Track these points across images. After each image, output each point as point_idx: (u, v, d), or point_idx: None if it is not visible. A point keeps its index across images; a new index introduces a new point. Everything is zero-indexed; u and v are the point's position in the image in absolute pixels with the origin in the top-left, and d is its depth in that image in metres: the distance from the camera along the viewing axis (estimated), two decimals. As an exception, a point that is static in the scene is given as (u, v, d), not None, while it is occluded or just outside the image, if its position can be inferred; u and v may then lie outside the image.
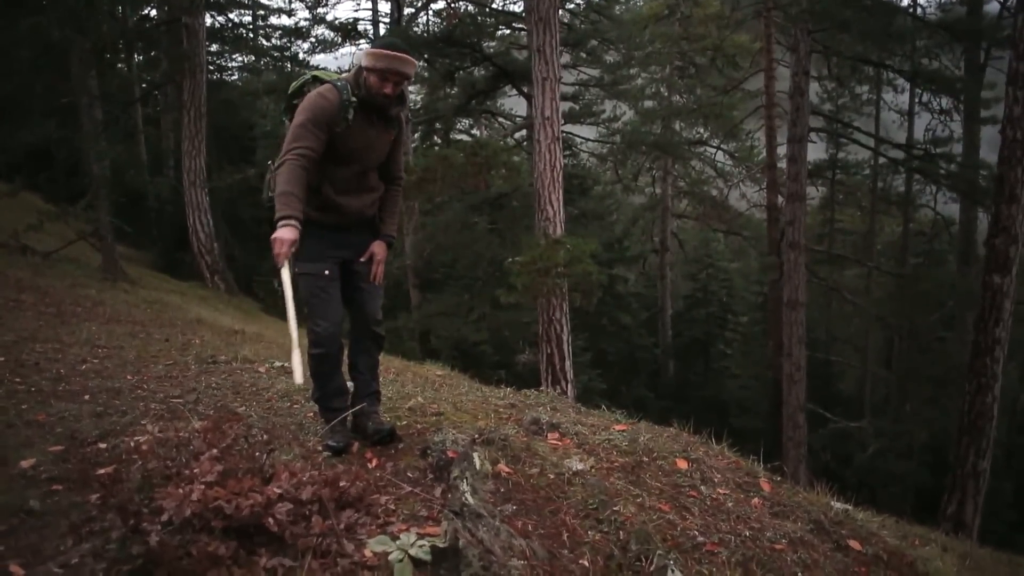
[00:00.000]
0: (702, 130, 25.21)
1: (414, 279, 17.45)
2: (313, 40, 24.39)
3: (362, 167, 2.98)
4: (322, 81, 2.96)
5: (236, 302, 15.33)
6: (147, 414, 3.19)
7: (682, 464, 3.09)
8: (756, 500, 2.93)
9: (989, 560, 6.40)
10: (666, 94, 26.26)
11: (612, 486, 2.74)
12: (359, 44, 20.65)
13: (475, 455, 2.65)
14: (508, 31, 22.20)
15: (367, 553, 2.04)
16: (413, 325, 14.91)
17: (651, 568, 2.22)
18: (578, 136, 24.79)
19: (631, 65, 23.14)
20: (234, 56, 26.91)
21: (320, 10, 25.36)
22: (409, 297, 17.93)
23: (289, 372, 4.39)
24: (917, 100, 15.31)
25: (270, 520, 1.97)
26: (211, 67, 25.35)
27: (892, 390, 19.66)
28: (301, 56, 24.91)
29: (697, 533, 2.50)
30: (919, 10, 17.13)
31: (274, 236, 2.67)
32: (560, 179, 11.13)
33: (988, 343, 9.19)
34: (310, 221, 2.86)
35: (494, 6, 19.96)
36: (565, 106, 19.36)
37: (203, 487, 1.99)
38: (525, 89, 13.71)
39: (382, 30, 20.57)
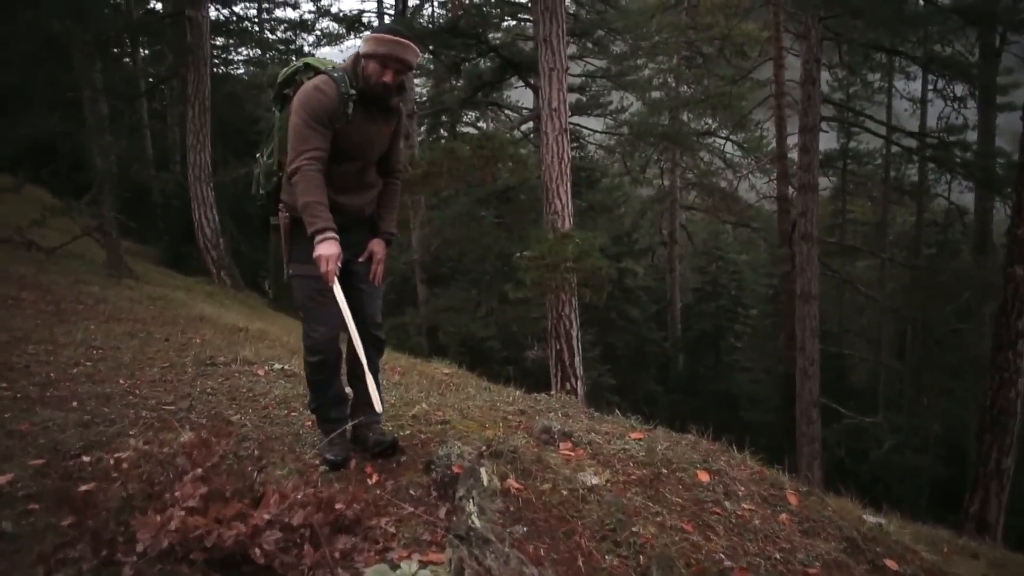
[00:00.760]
0: (710, 121, 24.91)
1: (421, 274, 17.26)
2: (318, 33, 24.27)
3: (363, 163, 2.81)
4: (315, 70, 2.75)
5: (242, 297, 15.18)
6: (136, 423, 3.02)
7: (703, 476, 2.90)
8: (784, 516, 2.74)
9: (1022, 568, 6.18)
10: (673, 84, 25.95)
11: (630, 503, 2.55)
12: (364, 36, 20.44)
13: (482, 470, 2.46)
14: (514, 22, 21.96)
15: (364, 584, 1.86)
16: (420, 321, 14.73)
17: (675, 597, 2.04)
18: (585, 128, 24.53)
19: (638, 55, 22.84)
20: (239, 49, 26.81)
21: (325, 2, 25.25)
22: (416, 292, 17.77)
23: (289, 375, 4.23)
24: (931, 87, 14.95)
25: (257, 551, 1.79)
26: (216, 60, 25.22)
27: (906, 384, 19.39)
28: (306, 49, 24.78)
29: (723, 556, 2.31)
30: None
31: (317, 254, 2.53)
32: (568, 172, 10.93)
33: (1010, 336, 8.94)
34: None
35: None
36: (572, 97, 19.10)
37: (184, 513, 1.81)
38: (532, 80, 13.47)
39: (388, 22, 20.36)
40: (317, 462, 2.73)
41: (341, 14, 21.40)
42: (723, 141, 25.03)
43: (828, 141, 20.23)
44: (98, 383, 3.70)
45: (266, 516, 1.88)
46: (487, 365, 15.00)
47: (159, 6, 21.85)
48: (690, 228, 29.65)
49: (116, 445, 2.65)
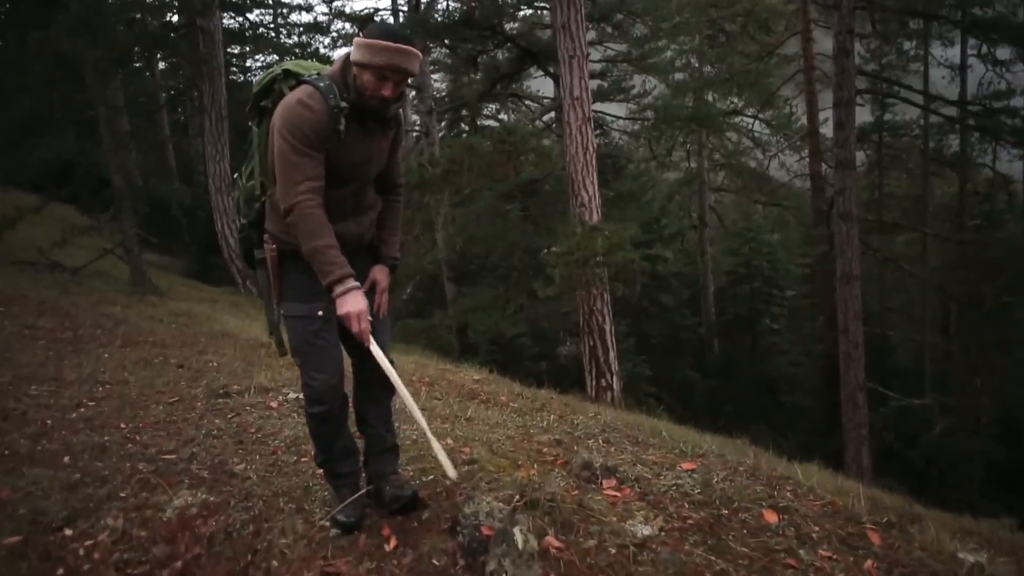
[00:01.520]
0: (736, 100, 24.20)
1: (448, 272, 16.98)
2: (334, 34, 24.05)
3: (358, 185, 2.43)
4: (296, 77, 2.34)
5: (268, 307, 15.02)
6: (130, 480, 2.73)
7: (771, 517, 2.52)
8: (869, 563, 2.35)
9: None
10: (697, 65, 25.28)
11: (689, 559, 2.19)
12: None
13: (516, 530, 2.12)
14: (530, 11, 21.49)
15: None
16: (449, 322, 14.43)
17: None
18: (608, 115, 24.01)
19: (659, 37, 22.25)
20: (256, 56, 26.74)
21: (338, 3, 25.05)
22: (444, 292, 17.49)
23: (303, 406, 3.92)
24: (974, 52, 14.20)
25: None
26: (234, 69, 25.21)
27: (954, 363, 18.64)
28: (322, 51, 24.59)
29: (808, 629, 1.94)
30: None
31: (345, 311, 2.22)
32: (594, 162, 10.54)
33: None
34: (295, 253, 2.33)
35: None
36: (593, 84, 18.61)
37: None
38: (551, 69, 13.06)
39: (402, 19, 20.06)
40: (327, 523, 2.40)
41: (355, 14, 21.17)
42: (751, 120, 24.30)
43: (862, 114, 19.46)
44: (96, 429, 3.42)
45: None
46: (519, 363, 14.68)
47: (176, 18, 21.84)
48: (720, 210, 28.93)
49: (105, 510, 2.36)
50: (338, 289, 2.21)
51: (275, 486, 2.71)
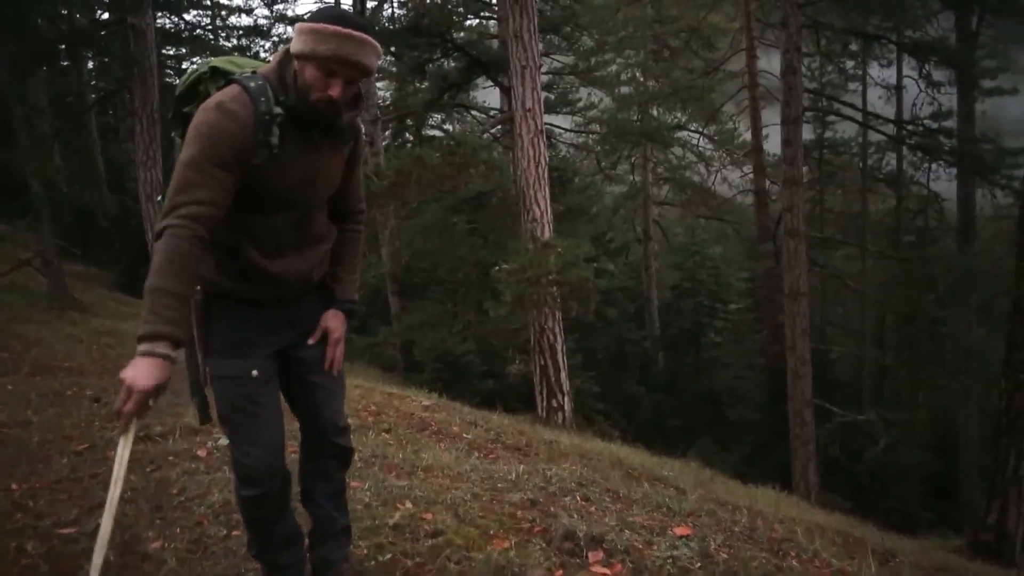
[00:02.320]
0: (680, 115, 24.42)
1: (392, 286, 16.45)
2: (276, 39, 23.29)
3: (302, 211, 1.96)
4: (225, 76, 1.90)
5: (201, 321, 14.22)
6: (12, 570, 2.23)
7: (785, 598, 2.19)
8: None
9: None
10: (642, 79, 25.44)
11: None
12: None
13: (499, 637, 1.72)
14: (476, 20, 21.20)
15: None
16: (394, 339, 13.92)
17: None
18: (556, 127, 23.90)
19: (605, 51, 22.30)
20: (193, 59, 25.68)
21: (279, 6, 24.25)
22: (388, 305, 16.94)
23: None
24: (917, 74, 14.51)
25: None
26: (169, 71, 24.11)
27: (891, 377, 19.03)
28: (263, 55, 23.74)
29: None
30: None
31: (127, 376, 1.64)
32: (546, 176, 10.24)
33: (1024, 335, 8.41)
34: (224, 295, 1.91)
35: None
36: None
37: None
38: (501, 80, 12.75)
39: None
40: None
41: (297, 18, 20.49)
42: (695, 135, 24.52)
43: (803, 132, 19.82)
44: (-21, 497, 2.88)
45: None
46: (466, 381, 14.26)
47: (107, 15, 20.76)
48: (663, 224, 29.12)
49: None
50: (145, 346, 1.66)
51: (199, 573, 2.25)
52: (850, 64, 19.55)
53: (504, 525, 2.56)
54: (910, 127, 15.72)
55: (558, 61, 22.91)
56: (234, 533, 2.51)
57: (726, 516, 2.93)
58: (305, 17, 1.84)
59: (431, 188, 10.00)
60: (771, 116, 21.25)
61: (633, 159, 26.96)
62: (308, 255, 2.00)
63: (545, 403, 10.72)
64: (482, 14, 20.26)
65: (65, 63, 20.56)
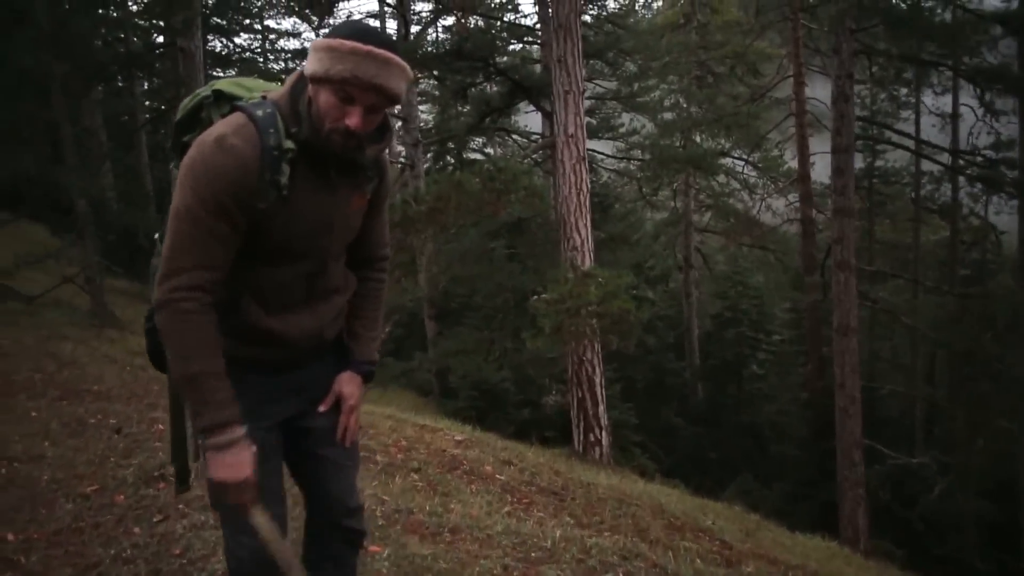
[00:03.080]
0: (723, 141, 24.03)
1: (430, 309, 16.32)
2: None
3: (316, 262, 1.69)
4: (230, 102, 1.64)
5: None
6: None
7: None
8: None
9: None
10: (685, 105, 25.16)
11: None
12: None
13: None
14: (519, 46, 21.19)
15: None
16: (430, 364, 13.72)
17: None
18: (597, 152, 23.73)
19: (648, 76, 22.12)
20: (242, 83, 26.16)
21: (325, 30, 24.61)
22: (424, 329, 16.80)
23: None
24: (978, 101, 13.94)
25: None
26: (220, 94, 24.54)
27: (946, 418, 18.17)
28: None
29: None
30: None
31: (217, 477, 1.52)
32: (587, 203, 10.01)
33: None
34: (225, 357, 1.63)
35: (506, 19, 18.96)
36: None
37: None
38: (544, 105, 12.58)
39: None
40: None
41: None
42: (740, 162, 24.07)
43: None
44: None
45: None
46: (502, 409, 13.98)
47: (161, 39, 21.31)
48: (705, 251, 28.60)
49: None
50: (214, 440, 1.50)
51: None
52: (903, 91, 18.98)
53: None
54: (967, 157, 15.11)
55: (600, 86, 22.78)
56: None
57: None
58: (326, 33, 1.58)
59: (470, 214, 9.82)
60: (817, 144, 20.78)
61: (675, 185, 26.58)
62: (320, 311, 1.74)
63: (582, 437, 10.38)
64: (525, 39, 20.26)
65: (121, 84, 21.10)
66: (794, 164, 21.17)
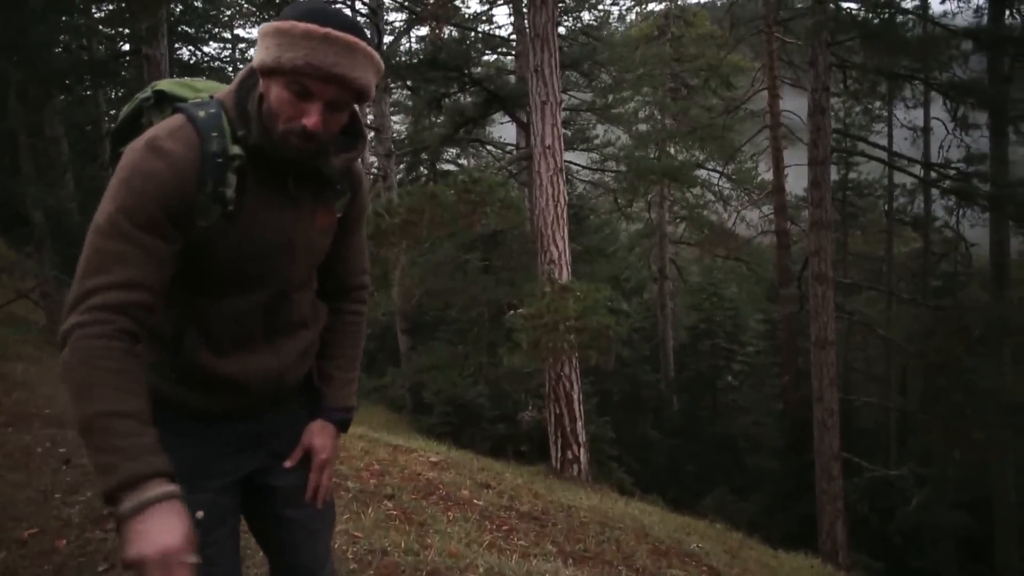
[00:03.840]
0: (698, 153, 24.10)
1: (402, 323, 16.00)
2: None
3: (275, 291, 1.43)
4: (173, 104, 1.38)
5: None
6: None
7: None
8: None
9: None
10: (660, 117, 25.22)
11: None
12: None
13: None
14: (493, 57, 21.06)
15: None
16: (402, 381, 13.40)
17: None
18: (572, 163, 23.67)
19: (623, 88, 22.14)
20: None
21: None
22: (397, 343, 16.47)
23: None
24: (951, 115, 14.04)
25: None
26: (184, 102, 24.08)
27: (921, 429, 18.24)
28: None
29: None
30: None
31: (133, 555, 1.08)
32: (565, 215, 9.80)
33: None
34: (164, 405, 1.35)
35: (480, 29, 18.83)
36: (559, 132, 18.11)
37: None
38: (519, 115, 12.40)
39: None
40: None
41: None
42: (715, 174, 24.15)
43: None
44: None
45: None
46: (476, 425, 13.69)
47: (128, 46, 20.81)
48: (680, 263, 28.61)
49: None
50: (128, 502, 1.11)
51: None
52: (876, 105, 19.16)
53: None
54: (940, 170, 15.23)
55: (575, 97, 22.72)
56: None
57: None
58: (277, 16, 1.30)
59: (445, 226, 9.57)
60: (792, 156, 20.90)
61: (649, 197, 26.60)
62: (282, 348, 1.47)
63: (560, 454, 10.14)
64: (499, 50, 20.12)
65: (87, 92, 20.56)
66: (768, 176, 21.25)
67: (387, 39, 17.70)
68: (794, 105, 20.07)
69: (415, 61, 14.11)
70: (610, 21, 25.44)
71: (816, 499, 13.47)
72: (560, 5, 18.00)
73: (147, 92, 1.46)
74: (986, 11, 13.81)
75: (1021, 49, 13.36)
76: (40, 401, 6.33)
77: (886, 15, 12.25)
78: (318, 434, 1.54)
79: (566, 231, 9.75)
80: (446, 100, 13.93)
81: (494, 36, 19.68)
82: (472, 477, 6.41)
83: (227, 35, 25.57)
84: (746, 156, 23.33)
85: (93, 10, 15.23)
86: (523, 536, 5.01)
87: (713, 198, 25.98)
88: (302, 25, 1.22)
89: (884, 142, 19.45)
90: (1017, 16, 14.20)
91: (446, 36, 17.21)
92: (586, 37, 20.37)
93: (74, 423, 1.21)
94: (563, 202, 9.77)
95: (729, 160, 22.70)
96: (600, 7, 22.99)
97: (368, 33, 1.42)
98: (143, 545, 1.10)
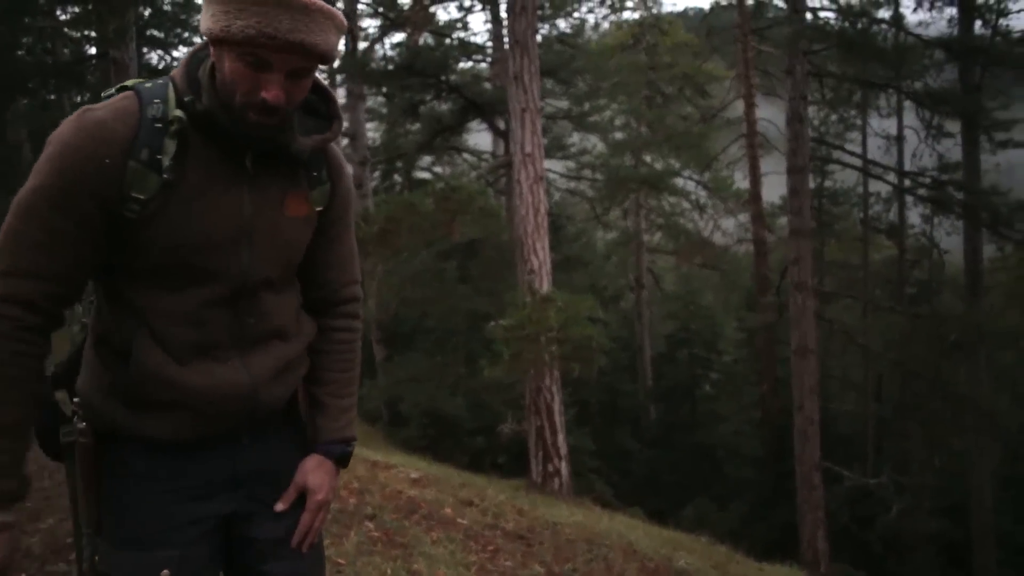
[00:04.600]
0: (674, 161, 24.16)
1: (377, 333, 15.70)
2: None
3: (236, 285, 1.22)
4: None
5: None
6: None
7: None
8: None
9: None
10: (635, 125, 25.24)
11: None
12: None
13: None
14: (469, 64, 20.90)
15: None
16: (378, 393, 13.12)
17: None
18: (549, 171, 23.56)
19: (599, 96, 22.13)
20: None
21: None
22: (372, 353, 16.16)
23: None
24: (926, 124, 14.16)
25: None
26: (153, 108, 23.61)
27: (894, 434, 18.34)
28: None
29: None
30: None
31: None
32: (545, 224, 9.63)
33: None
34: (119, 433, 1.21)
35: (456, 36, 18.66)
36: (536, 140, 17.99)
37: None
38: (497, 123, 12.24)
39: (336, 65, 19.03)
40: None
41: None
42: (691, 183, 24.20)
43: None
44: None
45: None
46: (455, 437, 13.45)
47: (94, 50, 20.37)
48: (657, 272, 28.63)
49: None
50: None
51: None
52: (851, 113, 19.33)
53: None
54: (914, 178, 15.35)
55: (551, 105, 22.65)
56: None
57: None
58: None
59: (423, 235, 9.37)
60: (768, 164, 20.99)
61: (626, 205, 26.59)
62: (256, 360, 1.26)
63: (541, 467, 9.94)
64: (475, 56, 19.98)
65: (51, 97, 20.08)
66: (744, 184, 21.32)
67: (362, 45, 17.49)
68: (769, 113, 20.18)
69: (391, 68, 13.90)
70: (585, 29, 25.43)
71: (797, 508, 13.42)
72: (537, 13, 17.93)
73: (111, 91, 1.27)
74: (958, 22, 14.02)
75: (991, 59, 13.51)
76: None
77: (861, 25, 12.36)
78: (314, 471, 1.34)
79: (547, 240, 9.59)
80: (423, 107, 13.75)
81: (469, 43, 19.55)
82: (454, 494, 6.21)
83: (197, 39, 25.19)
84: (722, 164, 23.41)
85: (58, 12, 14.82)
86: (510, 556, 4.83)
87: (689, 206, 26.07)
88: None
89: (859, 151, 19.65)
90: (988, 27, 14.44)
91: (422, 43, 17.04)
92: (562, 45, 20.31)
93: None
94: (543, 211, 9.61)
95: (705, 168, 22.77)
96: (576, 15, 22.96)
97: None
98: None
